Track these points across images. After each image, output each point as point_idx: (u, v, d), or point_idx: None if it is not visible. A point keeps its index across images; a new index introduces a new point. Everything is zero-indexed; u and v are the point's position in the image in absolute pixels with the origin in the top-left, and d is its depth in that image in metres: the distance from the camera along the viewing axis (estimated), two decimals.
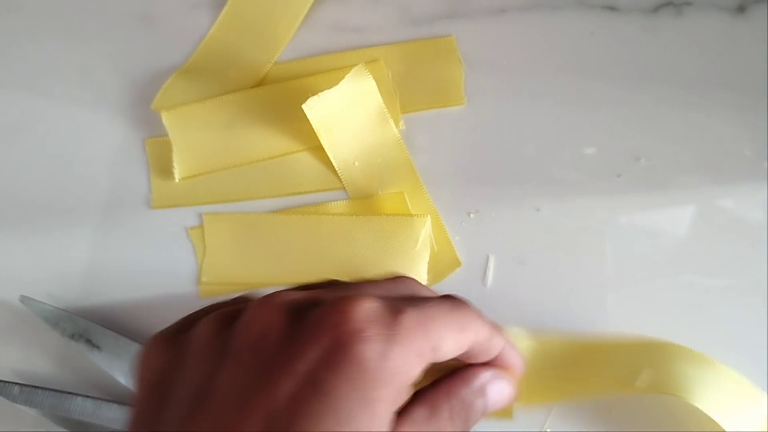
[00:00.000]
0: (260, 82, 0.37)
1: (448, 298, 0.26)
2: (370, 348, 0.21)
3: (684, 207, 0.34)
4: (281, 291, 0.25)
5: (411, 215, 0.34)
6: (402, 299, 0.25)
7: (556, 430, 0.32)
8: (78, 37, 0.39)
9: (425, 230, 0.33)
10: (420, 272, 0.33)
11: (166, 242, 0.36)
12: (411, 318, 0.23)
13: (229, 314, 0.25)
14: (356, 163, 0.35)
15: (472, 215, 0.35)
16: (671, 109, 0.34)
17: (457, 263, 0.34)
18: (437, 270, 0.34)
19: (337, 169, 0.35)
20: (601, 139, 0.34)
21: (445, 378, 0.27)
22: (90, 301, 0.36)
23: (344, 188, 0.35)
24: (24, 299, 0.35)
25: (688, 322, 0.32)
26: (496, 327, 0.27)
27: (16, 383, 0.33)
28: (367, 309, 0.22)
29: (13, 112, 0.38)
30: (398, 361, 0.22)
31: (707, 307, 0.32)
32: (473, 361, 0.27)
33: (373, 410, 0.21)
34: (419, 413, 0.24)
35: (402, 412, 0.24)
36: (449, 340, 0.24)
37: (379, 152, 0.35)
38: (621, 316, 0.32)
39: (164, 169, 0.36)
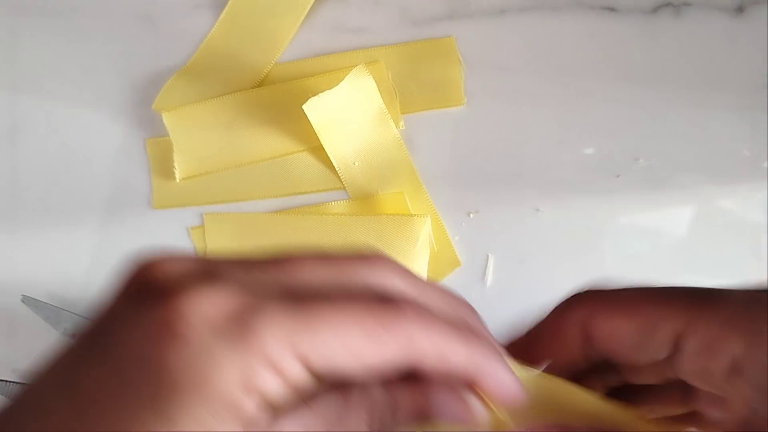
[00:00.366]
0: (261, 83, 0.37)
1: (378, 299, 0.19)
2: (183, 348, 0.16)
3: (684, 207, 0.34)
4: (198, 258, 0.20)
5: (411, 215, 0.34)
6: (283, 291, 0.19)
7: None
8: (80, 38, 0.39)
9: (425, 230, 0.34)
10: (420, 272, 0.33)
11: (167, 242, 0.36)
12: (271, 317, 0.17)
13: None
14: (356, 163, 0.35)
15: (472, 215, 0.35)
16: (671, 109, 0.34)
17: (457, 263, 0.34)
18: (437, 270, 0.34)
19: (337, 169, 0.35)
20: (600, 139, 0.34)
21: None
22: (91, 300, 0.36)
23: (344, 188, 0.35)
24: (25, 299, 0.35)
25: None
26: (482, 344, 0.20)
27: (17, 382, 0.33)
28: (207, 305, 0.17)
29: (15, 113, 0.38)
30: (213, 366, 0.16)
31: None
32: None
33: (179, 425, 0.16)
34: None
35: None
36: (338, 348, 0.18)
37: (379, 152, 0.35)
38: None
39: (165, 169, 0.36)
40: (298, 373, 0.18)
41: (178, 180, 0.36)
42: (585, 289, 0.22)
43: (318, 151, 0.36)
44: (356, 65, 0.35)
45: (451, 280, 0.34)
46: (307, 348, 0.17)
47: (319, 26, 0.37)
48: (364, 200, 0.35)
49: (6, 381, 0.34)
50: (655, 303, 0.20)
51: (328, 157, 0.35)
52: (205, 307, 0.17)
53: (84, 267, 0.36)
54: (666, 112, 0.34)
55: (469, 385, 0.20)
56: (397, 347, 0.18)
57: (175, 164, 0.36)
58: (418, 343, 0.19)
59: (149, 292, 0.18)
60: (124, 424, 0.16)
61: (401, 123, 0.36)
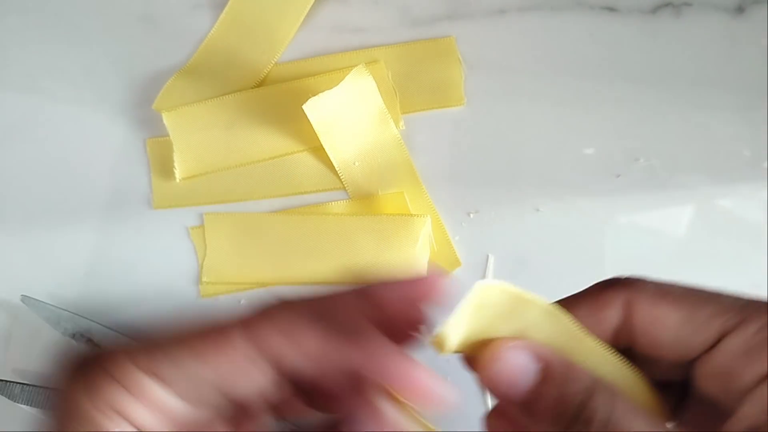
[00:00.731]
0: (261, 83, 0.37)
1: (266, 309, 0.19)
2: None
3: (683, 207, 0.34)
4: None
5: (411, 215, 0.34)
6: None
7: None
8: (79, 38, 0.39)
9: (425, 230, 0.34)
10: (420, 272, 0.33)
11: (167, 242, 0.36)
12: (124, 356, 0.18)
13: None
14: (356, 163, 0.35)
15: (472, 215, 0.35)
16: (671, 109, 0.34)
17: (457, 263, 0.34)
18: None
19: (337, 169, 0.35)
20: (600, 140, 0.35)
21: None
22: (91, 300, 0.36)
23: (344, 188, 0.35)
24: (25, 299, 0.35)
25: None
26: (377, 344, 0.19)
27: (18, 383, 0.33)
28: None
29: (15, 113, 0.38)
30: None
31: None
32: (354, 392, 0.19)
33: None
34: None
35: None
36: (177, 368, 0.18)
37: (379, 152, 0.35)
38: None
39: (165, 169, 0.36)
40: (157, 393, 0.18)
41: (178, 180, 0.36)
42: (627, 275, 0.21)
43: (318, 151, 0.36)
44: (356, 65, 0.35)
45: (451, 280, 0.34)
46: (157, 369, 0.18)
47: (319, 26, 0.37)
48: (364, 200, 0.35)
49: (6, 381, 0.34)
50: (707, 298, 0.20)
51: (328, 157, 0.35)
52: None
53: (84, 267, 0.36)
54: (666, 112, 0.34)
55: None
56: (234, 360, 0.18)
57: (175, 164, 0.36)
58: (298, 342, 0.18)
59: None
60: None
61: (401, 123, 0.36)
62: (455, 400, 0.19)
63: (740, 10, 0.35)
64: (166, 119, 0.36)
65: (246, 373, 0.18)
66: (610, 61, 0.35)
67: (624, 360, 0.20)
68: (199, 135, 0.36)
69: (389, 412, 0.19)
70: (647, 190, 0.34)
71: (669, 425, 0.21)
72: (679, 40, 0.35)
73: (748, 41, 0.34)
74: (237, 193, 0.36)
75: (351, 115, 0.35)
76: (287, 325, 0.18)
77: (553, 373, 0.18)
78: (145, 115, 0.37)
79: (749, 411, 0.18)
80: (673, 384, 0.21)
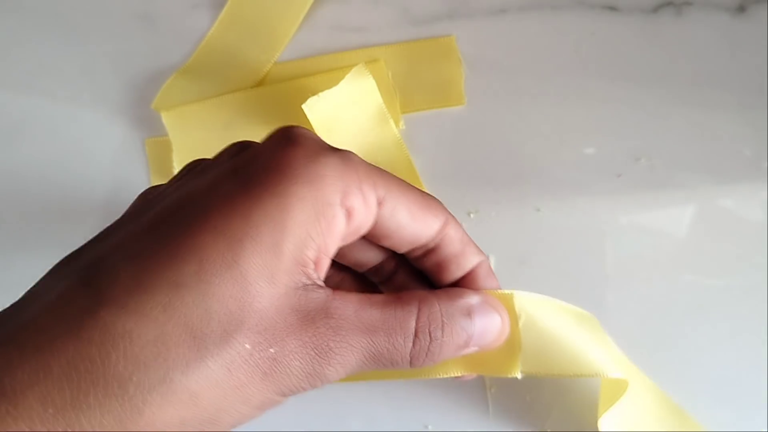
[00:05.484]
0: (260, 82, 0.37)
1: None
2: (297, 151, 0.20)
3: (684, 207, 0.34)
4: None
5: None
6: None
7: (556, 430, 0.32)
8: (78, 37, 0.39)
9: None
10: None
11: None
12: (362, 161, 0.21)
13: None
14: None
15: (472, 215, 0.35)
16: (671, 109, 0.34)
17: None
18: None
19: None
20: (601, 139, 0.34)
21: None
22: None
23: None
24: None
25: (688, 322, 0.32)
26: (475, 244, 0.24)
27: None
28: (318, 138, 0.22)
29: (14, 113, 0.38)
30: (324, 169, 0.20)
31: (707, 307, 0.32)
32: (441, 268, 0.24)
33: (286, 204, 0.19)
34: (382, 296, 0.21)
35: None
36: (401, 197, 0.22)
37: (379, 152, 0.35)
38: (621, 316, 0.32)
39: (164, 169, 0.36)
40: (373, 209, 0.21)
41: None
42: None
43: None
44: (356, 64, 0.34)
45: None
46: (382, 192, 0.21)
47: (318, 25, 0.37)
48: None
49: None
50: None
51: None
52: (317, 138, 0.21)
53: None
54: (667, 112, 0.34)
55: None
56: (438, 226, 0.23)
57: (175, 164, 0.36)
58: (449, 228, 0.23)
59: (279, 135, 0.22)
60: (241, 201, 0.19)
61: (401, 123, 0.36)
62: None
63: (741, 9, 0.35)
64: (166, 119, 0.36)
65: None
66: (611, 61, 0.35)
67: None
68: (198, 134, 0.36)
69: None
70: (648, 190, 0.34)
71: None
72: (680, 39, 0.35)
73: (750, 41, 0.34)
74: None
75: (351, 115, 0.35)
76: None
77: None
78: (144, 114, 0.37)
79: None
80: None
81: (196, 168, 0.23)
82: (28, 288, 0.20)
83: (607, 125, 0.35)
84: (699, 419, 0.30)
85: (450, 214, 0.24)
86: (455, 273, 0.24)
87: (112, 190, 0.37)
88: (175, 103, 0.37)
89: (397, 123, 0.36)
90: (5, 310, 0.19)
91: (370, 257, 0.25)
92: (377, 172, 0.22)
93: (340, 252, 0.23)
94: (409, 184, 0.23)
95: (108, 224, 0.36)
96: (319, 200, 0.19)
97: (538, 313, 0.25)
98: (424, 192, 0.23)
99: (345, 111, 0.35)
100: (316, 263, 0.20)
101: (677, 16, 0.35)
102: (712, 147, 0.34)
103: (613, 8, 0.35)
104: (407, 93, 0.36)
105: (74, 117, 0.38)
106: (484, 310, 0.23)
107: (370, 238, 0.23)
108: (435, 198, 0.24)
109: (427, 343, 0.21)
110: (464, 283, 0.24)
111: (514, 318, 0.24)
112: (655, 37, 0.35)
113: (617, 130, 0.34)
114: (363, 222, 0.21)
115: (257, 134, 0.36)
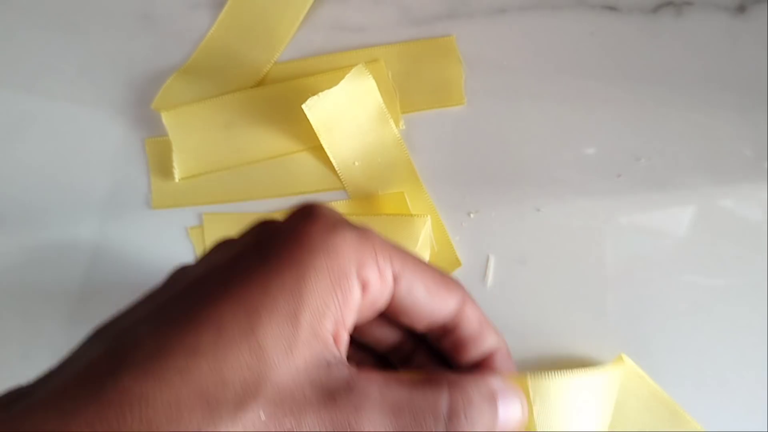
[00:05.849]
0: (260, 82, 0.37)
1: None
2: (316, 225, 0.20)
3: (684, 207, 0.34)
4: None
5: (411, 215, 0.34)
6: None
7: None
8: (78, 37, 0.39)
9: (425, 230, 0.33)
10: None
11: (166, 242, 0.36)
12: (379, 236, 0.22)
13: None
14: (356, 163, 0.35)
15: (472, 215, 0.35)
16: (671, 109, 0.34)
17: (457, 263, 0.34)
18: None
19: (337, 169, 0.35)
20: (601, 139, 0.34)
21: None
22: (90, 301, 0.36)
23: (344, 188, 0.35)
24: None
25: (688, 322, 0.32)
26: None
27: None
28: (336, 213, 0.22)
29: (13, 112, 0.38)
30: (341, 241, 0.20)
31: (707, 307, 0.32)
32: (460, 348, 0.24)
33: (302, 274, 0.19)
34: (408, 376, 0.21)
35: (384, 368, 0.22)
36: (417, 273, 0.22)
37: (379, 152, 0.35)
38: (621, 316, 0.32)
39: (164, 169, 0.36)
40: (389, 283, 0.21)
41: (177, 180, 0.36)
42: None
43: (318, 150, 0.36)
44: (356, 64, 0.34)
45: None
46: (398, 267, 0.22)
47: (318, 25, 0.37)
48: (364, 200, 0.35)
49: None
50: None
51: (328, 157, 0.35)
52: (336, 213, 0.22)
53: (82, 267, 0.36)
54: (667, 112, 0.34)
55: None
56: (455, 304, 0.23)
57: (174, 164, 0.36)
58: (467, 307, 0.23)
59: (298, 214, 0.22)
60: (259, 272, 0.19)
61: (401, 123, 0.36)
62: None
63: (741, 9, 0.35)
64: (165, 119, 0.36)
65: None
66: (611, 61, 0.35)
67: None
68: (198, 134, 0.36)
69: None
70: (648, 190, 0.34)
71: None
72: (680, 39, 0.35)
73: (750, 41, 0.34)
74: (236, 193, 0.36)
75: (351, 115, 0.35)
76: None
77: None
78: (143, 114, 0.37)
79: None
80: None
81: (222, 246, 0.23)
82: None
83: (607, 125, 0.34)
84: (699, 419, 0.30)
85: (467, 293, 0.24)
86: (474, 354, 0.24)
87: (112, 190, 0.37)
88: (175, 103, 0.37)
89: (397, 123, 0.36)
90: (41, 377, 0.19)
91: (389, 335, 0.25)
92: (394, 248, 0.22)
93: (359, 330, 0.24)
94: (425, 262, 0.23)
95: (108, 225, 0.37)
96: (335, 271, 0.20)
97: (552, 398, 0.24)
98: (440, 270, 0.24)
99: (345, 111, 0.35)
100: (336, 337, 0.20)
101: (677, 16, 0.35)
102: (712, 147, 0.34)
103: (613, 8, 0.35)
104: (407, 93, 0.36)
105: (74, 117, 0.38)
106: (508, 396, 0.22)
107: (387, 315, 0.23)
108: (452, 277, 0.24)
109: (457, 427, 0.20)
110: (483, 365, 0.24)
111: (529, 402, 0.24)
112: (655, 37, 0.35)
113: (617, 130, 0.34)
114: (379, 296, 0.21)
115: (257, 134, 0.37)
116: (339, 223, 0.21)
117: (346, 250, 0.20)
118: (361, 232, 0.21)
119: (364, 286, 0.21)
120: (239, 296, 0.19)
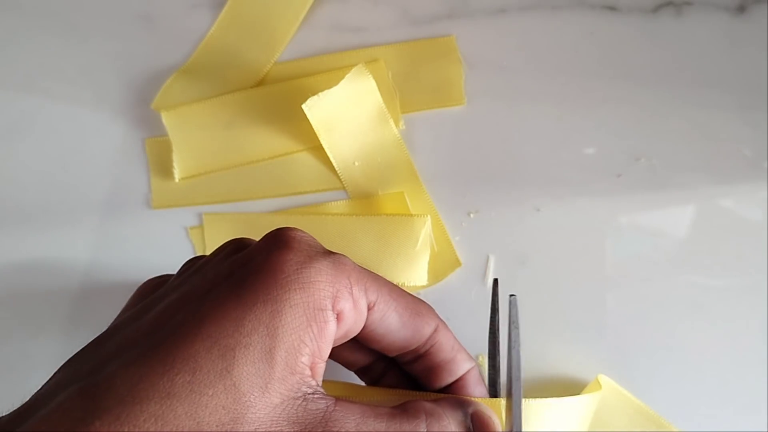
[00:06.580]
0: (260, 82, 0.37)
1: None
2: (289, 255, 0.20)
3: (684, 207, 0.34)
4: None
5: (411, 215, 0.34)
6: None
7: None
8: (78, 37, 0.39)
9: (425, 230, 0.33)
10: (420, 272, 0.33)
11: (166, 242, 0.36)
12: (354, 265, 0.22)
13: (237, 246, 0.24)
14: (356, 163, 0.35)
15: (472, 215, 0.35)
16: (671, 109, 0.34)
17: (457, 263, 0.34)
18: (437, 270, 0.34)
19: (337, 169, 0.35)
20: (601, 139, 0.34)
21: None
22: (90, 300, 0.36)
23: (344, 188, 0.35)
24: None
25: (688, 322, 0.32)
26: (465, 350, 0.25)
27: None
28: (312, 241, 0.22)
29: (13, 112, 0.38)
30: (315, 274, 0.20)
31: (707, 307, 0.32)
32: (431, 373, 0.24)
33: (277, 310, 0.19)
34: (385, 409, 0.21)
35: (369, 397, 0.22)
36: (391, 302, 0.22)
37: (379, 152, 0.35)
38: (621, 316, 0.32)
39: (164, 169, 0.36)
40: (363, 313, 0.21)
41: (177, 180, 0.36)
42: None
43: (318, 150, 0.36)
44: (356, 64, 0.34)
45: (451, 281, 0.34)
46: (374, 297, 0.22)
47: (318, 25, 0.37)
48: (364, 200, 0.35)
49: None
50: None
51: (328, 157, 0.35)
52: (311, 240, 0.21)
53: (82, 267, 0.36)
54: (667, 112, 0.34)
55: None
56: (428, 332, 0.23)
57: (174, 164, 0.36)
58: (439, 334, 0.23)
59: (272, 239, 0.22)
60: (233, 308, 0.19)
61: (401, 123, 0.36)
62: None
63: (741, 9, 0.35)
64: (165, 119, 0.36)
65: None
66: (611, 61, 0.35)
67: None
68: (198, 134, 0.36)
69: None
70: (648, 190, 0.34)
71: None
72: (680, 39, 0.35)
73: (749, 41, 0.34)
74: (236, 193, 0.36)
75: (351, 115, 0.35)
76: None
77: None
78: (143, 114, 0.37)
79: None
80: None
81: (193, 266, 0.23)
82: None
83: (607, 125, 0.35)
84: (699, 419, 0.30)
85: (441, 320, 0.24)
86: (446, 379, 0.24)
87: (112, 190, 0.37)
88: (175, 103, 0.37)
89: (397, 123, 0.36)
90: (11, 415, 0.19)
91: (359, 358, 0.25)
92: (369, 276, 0.22)
93: (330, 352, 0.23)
94: (400, 290, 0.23)
95: (108, 224, 0.37)
96: (311, 306, 0.20)
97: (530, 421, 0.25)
98: (415, 297, 0.24)
99: (345, 111, 0.35)
100: (312, 369, 0.20)
101: (677, 16, 0.35)
102: (712, 147, 0.34)
103: (613, 8, 0.35)
104: (407, 93, 0.36)
105: (74, 117, 0.38)
106: (484, 420, 0.23)
107: (360, 340, 0.23)
108: (426, 304, 0.24)
109: None
110: (454, 389, 0.24)
111: (503, 425, 0.24)
112: (655, 37, 0.35)
113: (617, 130, 0.34)
114: (353, 326, 0.21)
115: (257, 134, 0.37)
116: (314, 252, 0.21)
117: (321, 283, 0.20)
118: (336, 261, 0.21)
119: (338, 317, 0.20)
120: (213, 334, 0.18)
